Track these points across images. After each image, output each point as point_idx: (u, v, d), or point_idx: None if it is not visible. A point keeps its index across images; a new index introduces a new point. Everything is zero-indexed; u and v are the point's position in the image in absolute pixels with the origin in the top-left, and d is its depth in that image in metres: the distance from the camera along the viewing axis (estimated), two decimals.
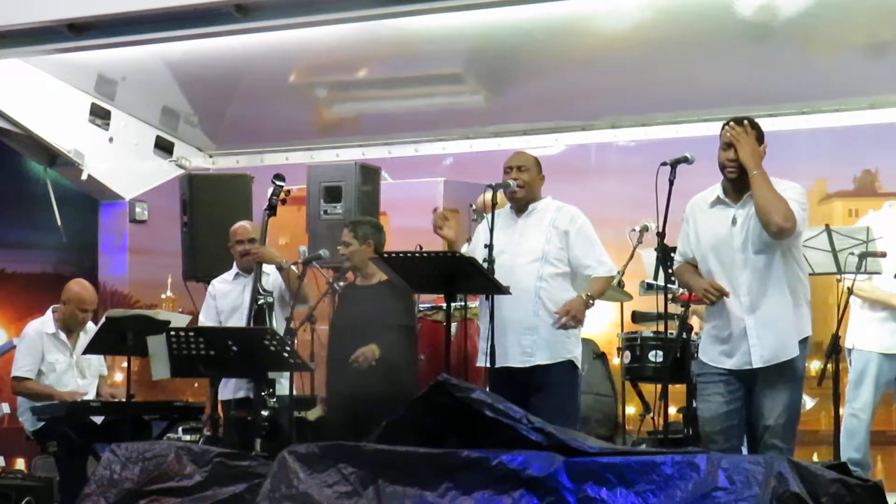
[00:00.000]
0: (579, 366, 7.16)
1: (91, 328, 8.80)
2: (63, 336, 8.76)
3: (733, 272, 6.27)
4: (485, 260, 6.91)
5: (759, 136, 6.31)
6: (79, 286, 8.85)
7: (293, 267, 8.09)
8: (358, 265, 7.99)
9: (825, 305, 8.47)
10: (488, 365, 6.92)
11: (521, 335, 6.99)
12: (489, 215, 7.09)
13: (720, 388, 6.33)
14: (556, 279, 7.06)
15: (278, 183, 8.11)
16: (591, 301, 7.00)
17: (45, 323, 8.78)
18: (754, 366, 6.26)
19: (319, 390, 8.36)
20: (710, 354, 6.41)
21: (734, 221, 6.30)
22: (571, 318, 6.92)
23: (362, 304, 7.90)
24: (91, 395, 8.76)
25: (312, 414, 7.94)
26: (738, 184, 6.30)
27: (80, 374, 8.79)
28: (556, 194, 7.32)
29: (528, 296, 7.00)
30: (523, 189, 7.15)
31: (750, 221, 6.27)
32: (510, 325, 6.97)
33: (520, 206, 7.22)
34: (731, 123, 6.26)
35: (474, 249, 7.22)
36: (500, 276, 6.91)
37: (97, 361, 8.92)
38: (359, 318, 7.82)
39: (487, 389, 7.19)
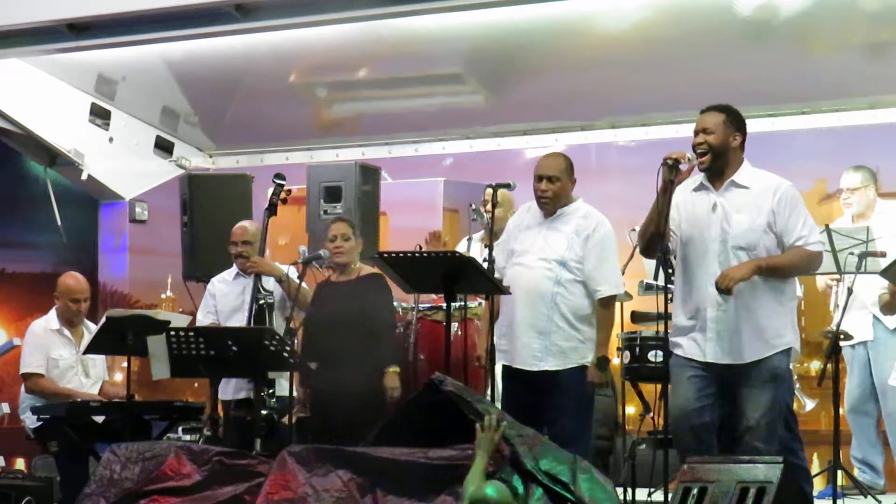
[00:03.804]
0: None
1: (94, 327, 8.81)
2: (67, 332, 8.81)
3: (706, 259, 6.17)
4: (485, 260, 6.90)
5: (739, 126, 6.28)
6: (70, 278, 8.91)
7: (293, 268, 8.08)
8: (349, 261, 7.99)
9: (825, 306, 8.47)
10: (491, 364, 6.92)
11: (531, 338, 6.88)
12: (516, 216, 7.08)
13: (693, 383, 6.17)
14: (574, 286, 6.91)
15: (279, 182, 8.11)
16: (601, 368, 6.91)
17: (49, 320, 8.86)
18: (707, 359, 6.14)
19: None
20: (675, 343, 6.27)
21: (714, 208, 6.24)
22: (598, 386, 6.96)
23: (340, 299, 7.88)
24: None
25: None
26: (715, 170, 6.26)
27: (84, 372, 8.82)
28: None
29: (544, 300, 6.87)
30: (551, 200, 6.97)
31: (732, 216, 6.19)
32: (522, 327, 6.89)
33: (548, 210, 7.06)
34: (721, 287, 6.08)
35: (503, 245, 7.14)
36: (519, 276, 6.89)
37: (101, 365, 8.95)
38: (336, 313, 7.81)
39: (488, 389, 7.24)
